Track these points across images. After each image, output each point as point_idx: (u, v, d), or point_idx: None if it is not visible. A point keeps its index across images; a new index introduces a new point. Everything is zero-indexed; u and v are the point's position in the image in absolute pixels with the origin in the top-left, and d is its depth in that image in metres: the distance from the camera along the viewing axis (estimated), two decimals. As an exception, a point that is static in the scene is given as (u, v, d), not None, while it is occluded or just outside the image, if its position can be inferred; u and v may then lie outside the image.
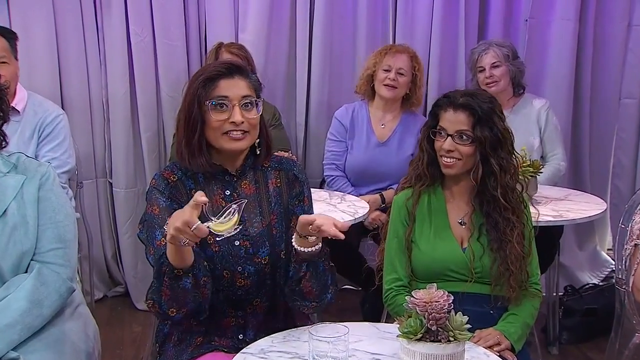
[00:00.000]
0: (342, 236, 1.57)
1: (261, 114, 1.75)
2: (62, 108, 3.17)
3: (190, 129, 1.70)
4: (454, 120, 1.96)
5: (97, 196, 3.59)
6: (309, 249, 1.65)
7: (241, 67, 1.74)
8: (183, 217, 1.44)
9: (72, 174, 2.92)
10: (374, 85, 3.25)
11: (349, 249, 3.16)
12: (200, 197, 1.45)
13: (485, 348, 1.73)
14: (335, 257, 3.01)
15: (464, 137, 1.95)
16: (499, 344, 1.86)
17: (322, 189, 3.29)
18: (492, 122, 1.95)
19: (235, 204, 1.48)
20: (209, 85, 1.69)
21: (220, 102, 1.69)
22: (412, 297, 1.48)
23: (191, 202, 1.46)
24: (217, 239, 1.51)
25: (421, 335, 1.44)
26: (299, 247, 1.66)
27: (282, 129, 3.42)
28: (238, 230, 1.49)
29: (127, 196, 3.55)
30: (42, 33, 3.31)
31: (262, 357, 1.58)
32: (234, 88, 1.70)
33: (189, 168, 1.73)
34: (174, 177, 1.74)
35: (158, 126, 3.55)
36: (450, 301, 1.46)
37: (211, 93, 1.69)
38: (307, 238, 1.64)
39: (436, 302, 1.45)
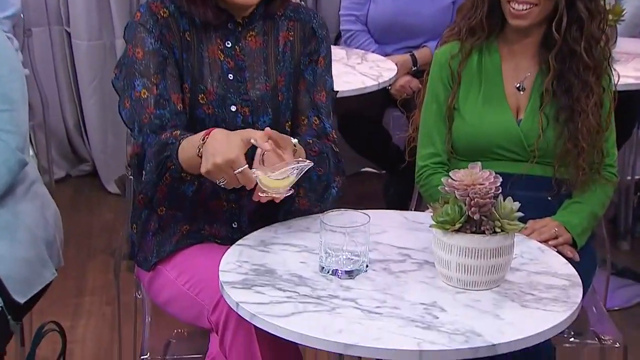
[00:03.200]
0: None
1: None
2: None
3: None
4: None
5: (51, 49, 3.55)
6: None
7: None
8: (228, 155, 1.43)
9: (16, 19, 2.85)
10: None
11: (370, 123, 3.18)
12: (264, 142, 1.45)
13: (540, 242, 1.74)
14: (354, 133, 3.02)
15: None
16: (556, 237, 1.87)
17: (337, 45, 3.26)
18: None
19: (298, 163, 1.48)
20: None
21: None
22: (451, 178, 1.47)
23: (245, 136, 1.46)
24: (260, 193, 1.50)
25: (460, 225, 1.44)
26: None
27: None
28: (290, 194, 1.50)
29: (91, 50, 3.51)
30: None
31: (262, 251, 1.59)
32: None
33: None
34: (165, 12, 1.72)
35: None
36: (498, 184, 1.45)
37: None
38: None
39: (480, 184, 1.44)
